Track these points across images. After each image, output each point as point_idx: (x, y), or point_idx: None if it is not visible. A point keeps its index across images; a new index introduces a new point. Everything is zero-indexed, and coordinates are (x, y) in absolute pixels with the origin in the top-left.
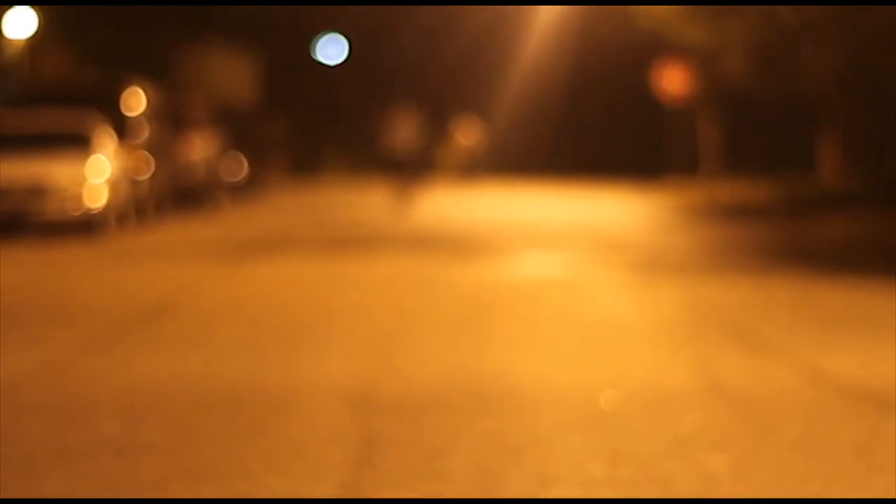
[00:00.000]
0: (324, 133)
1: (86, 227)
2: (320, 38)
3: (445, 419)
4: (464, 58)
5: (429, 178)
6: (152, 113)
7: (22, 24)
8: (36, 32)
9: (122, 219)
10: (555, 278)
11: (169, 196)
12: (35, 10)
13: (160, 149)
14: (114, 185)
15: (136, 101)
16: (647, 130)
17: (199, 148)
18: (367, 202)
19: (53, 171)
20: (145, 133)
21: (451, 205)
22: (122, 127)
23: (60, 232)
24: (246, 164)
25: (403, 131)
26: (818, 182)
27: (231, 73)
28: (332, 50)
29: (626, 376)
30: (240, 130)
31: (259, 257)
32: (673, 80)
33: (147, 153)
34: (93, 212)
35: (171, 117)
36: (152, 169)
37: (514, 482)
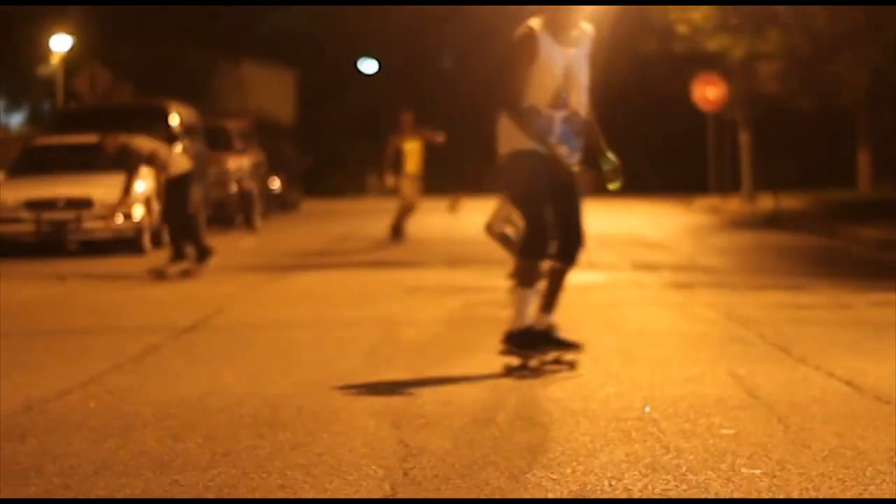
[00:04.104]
0: (360, 147)
1: (122, 243)
2: (358, 56)
3: (484, 433)
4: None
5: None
6: (187, 131)
7: (60, 41)
8: (73, 51)
9: (158, 235)
10: (592, 292)
11: (203, 213)
12: (72, 29)
13: (196, 167)
14: (149, 203)
15: (171, 120)
16: (684, 142)
17: (234, 165)
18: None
19: (91, 188)
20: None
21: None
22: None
23: (98, 248)
24: (280, 179)
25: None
26: (854, 193)
27: (267, 90)
28: (370, 64)
29: (663, 388)
30: (275, 146)
31: (293, 271)
32: (709, 92)
33: None
34: (129, 229)
35: (207, 135)
36: None
37: (552, 496)
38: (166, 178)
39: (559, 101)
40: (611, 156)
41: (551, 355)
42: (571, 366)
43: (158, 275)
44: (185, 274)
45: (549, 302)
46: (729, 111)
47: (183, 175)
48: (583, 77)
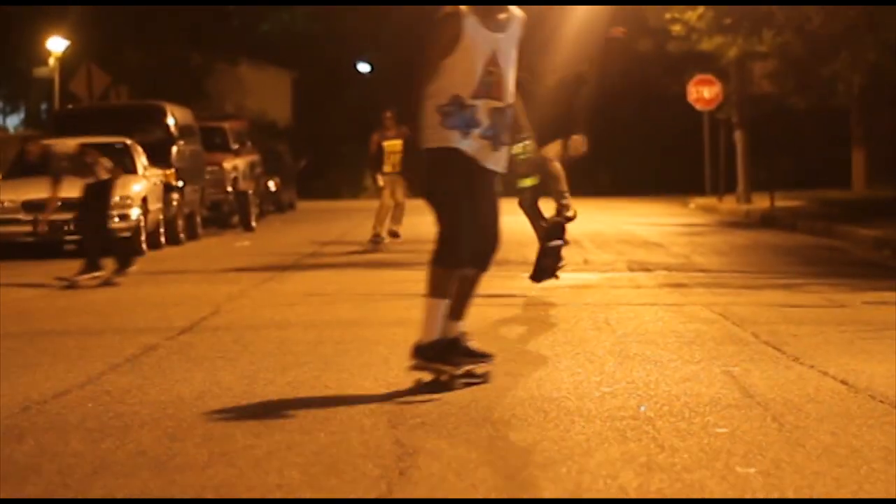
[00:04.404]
0: (357, 148)
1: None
2: (357, 57)
3: (479, 432)
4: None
5: None
6: (184, 132)
7: (57, 43)
8: (70, 52)
9: (155, 237)
10: (588, 291)
11: (200, 214)
12: (69, 31)
13: (192, 168)
14: (147, 204)
15: (168, 121)
16: (680, 142)
17: (230, 165)
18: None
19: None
20: (178, 152)
21: None
22: (154, 146)
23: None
24: (276, 180)
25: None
26: (850, 193)
27: (265, 91)
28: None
29: (659, 387)
30: (271, 147)
31: (289, 271)
32: (705, 91)
33: (179, 172)
34: (126, 229)
35: (203, 135)
36: (184, 188)
37: (547, 495)
38: (87, 182)
39: (485, 90)
40: (526, 143)
41: (463, 368)
42: (484, 379)
43: (69, 284)
44: (107, 283)
45: (458, 309)
46: (724, 111)
47: (104, 182)
48: (511, 64)
